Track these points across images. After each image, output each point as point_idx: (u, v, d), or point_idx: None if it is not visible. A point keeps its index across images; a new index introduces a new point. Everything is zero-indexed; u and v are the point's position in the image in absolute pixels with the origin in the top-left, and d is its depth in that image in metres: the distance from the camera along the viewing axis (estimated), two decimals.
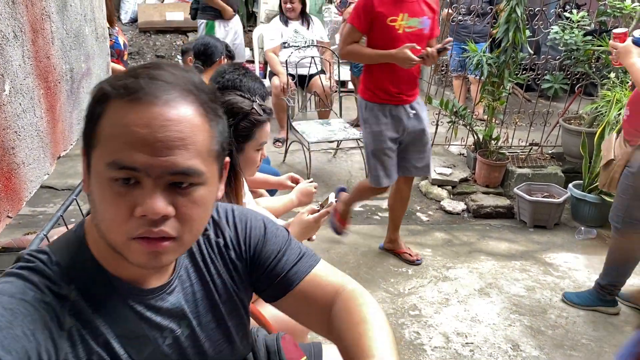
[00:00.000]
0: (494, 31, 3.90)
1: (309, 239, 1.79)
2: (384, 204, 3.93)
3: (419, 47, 2.56)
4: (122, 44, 3.01)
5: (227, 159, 0.87)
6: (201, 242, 0.95)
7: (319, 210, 1.74)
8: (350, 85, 5.78)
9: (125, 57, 3.08)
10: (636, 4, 3.72)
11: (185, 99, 0.75)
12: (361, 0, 2.65)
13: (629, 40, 2.27)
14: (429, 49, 2.58)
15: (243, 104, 1.63)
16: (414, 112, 2.79)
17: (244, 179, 1.85)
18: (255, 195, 2.45)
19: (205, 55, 3.00)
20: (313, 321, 1.00)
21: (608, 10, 3.77)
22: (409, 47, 2.53)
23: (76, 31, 1.97)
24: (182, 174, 0.74)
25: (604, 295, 2.65)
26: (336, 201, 1.79)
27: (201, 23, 5.11)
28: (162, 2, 7.23)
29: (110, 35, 2.93)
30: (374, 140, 2.78)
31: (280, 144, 4.76)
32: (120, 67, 2.87)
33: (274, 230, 1.01)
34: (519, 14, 3.55)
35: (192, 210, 0.76)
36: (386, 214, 3.77)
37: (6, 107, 1.33)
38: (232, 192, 1.66)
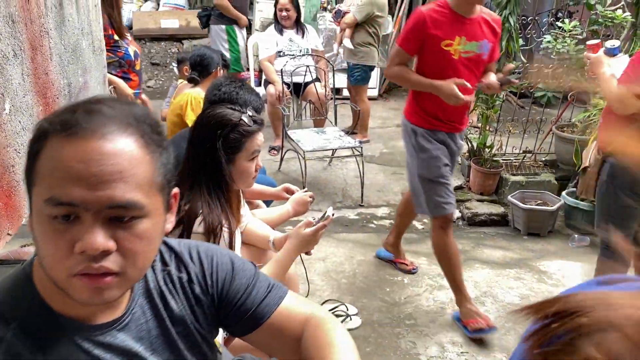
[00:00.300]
0: None
1: (306, 253, 1.81)
2: (379, 211, 3.96)
3: (469, 86, 2.33)
4: (132, 54, 3.03)
5: (176, 189, 0.87)
6: (159, 277, 0.93)
7: (315, 224, 1.76)
8: (346, 92, 5.81)
9: (138, 67, 3.11)
10: (627, 13, 3.77)
11: (125, 131, 0.74)
12: (412, 19, 2.40)
13: (601, 51, 2.35)
14: (491, 79, 2.41)
15: (232, 116, 1.65)
16: (460, 143, 2.64)
17: (241, 190, 1.88)
18: (252, 206, 2.47)
19: (201, 66, 3.02)
20: (284, 352, 0.99)
21: (599, 20, 3.82)
22: (457, 83, 2.28)
23: (74, 45, 1.98)
24: (121, 208, 0.73)
25: None
26: (333, 215, 1.80)
27: (218, 29, 5.15)
28: (157, 9, 7.24)
29: (119, 47, 2.95)
30: (430, 167, 2.53)
31: (275, 152, 4.78)
32: (116, 79, 2.87)
33: (241, 265, 1.01)
34: (512, 23, 3.60)
35: (135, 244, 0.75)
36: (382, 222, 3.81)
37: (6, 125, 1.34)
38: (227, 204, 1.67)
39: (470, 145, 4.15)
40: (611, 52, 2.31)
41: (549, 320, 0.49)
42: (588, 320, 0.45)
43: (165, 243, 0.97)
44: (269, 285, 1.00)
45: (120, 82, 2.89)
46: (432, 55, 2.38)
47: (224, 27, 5.10)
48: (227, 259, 1.00)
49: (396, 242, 3.13)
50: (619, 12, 3.77)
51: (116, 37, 2.93)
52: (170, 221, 0.86)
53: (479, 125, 4.27)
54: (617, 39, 4.19)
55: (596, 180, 2.47)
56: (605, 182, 2.41)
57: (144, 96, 3.62)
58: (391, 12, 6.41)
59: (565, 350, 0.44)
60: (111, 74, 2.94)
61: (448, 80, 2.30)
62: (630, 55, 2.32)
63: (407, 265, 3.11)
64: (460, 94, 2.27)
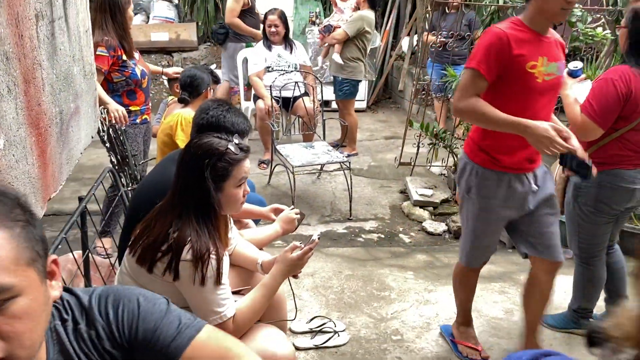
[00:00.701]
0: None
1: (294, 276, 1.87)
2: (367, 225, 4.02)
3: (566, 132, 1.94)
4: (139, 73, 3.12)
5: (54, 256, 0.88)
6: (72, 337, 0.94)
7: (302, 248, 1.81)
8: (335, 105, 5.88)
9: (144, 85, 3.20)
10: (607, 31, 3.87)
11: None
12: (491, 39, 1.98)
13: (564, 72, 2.41)
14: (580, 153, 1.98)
15: (219, 145, 1.70)
16: (536, 187, 2.18)
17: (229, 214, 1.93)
18: (241, 225, 2.52)
19: (191, 87, 3.08)
20: None
21: (580, 38, 3.92)
22: (554, 128, 1.85)
23: (65, 73, 2.03)
24: None
25: (577, 319, 2.74)
26: (319, 238, 1.86)
27: (239, 47, 5.29)
28: (147, 22, 7.29)
29: (127, 67, 3.06)
30: (478, 217, 2.25)
31: (265, 165, 4.84)
32: (107, 99, 2.92)
33: (149, 307, 1.00)
34: None
35: (15, 325, 0.75)
36: (370, 236, 3.87)
37: (1, 160, 1.39)
38: (215, 231, 1.72)
39: (456, 159, 4.23)
40: (574, 74, 2.40)
41: None
42: None
43: (76, 297, 0.97)
44: (180, 323, 1.00)
45: (112, 103, 2.95)
46: (515, 80, 2.00)
47: (244, 44, 5.27)
48: (134, 303, 1.00)
49: (532, 340, 2.45)
50: (599, 29, 3.87)
51: (124, 58, 3.04)
52: (57, 287, 0.87)
53: (465, 139, 4.35)
54: (598, 55, 4.31)
55: (563, 198, 2.55)
56: (570, 201, 2.49)
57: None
58: (376, 27, 6.51)
59: None
60: (117, 94, 3.07)
61: (541, 121, 1.90)
62: (592, 79, 2.41)
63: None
64: (560, 139, 1.84)
